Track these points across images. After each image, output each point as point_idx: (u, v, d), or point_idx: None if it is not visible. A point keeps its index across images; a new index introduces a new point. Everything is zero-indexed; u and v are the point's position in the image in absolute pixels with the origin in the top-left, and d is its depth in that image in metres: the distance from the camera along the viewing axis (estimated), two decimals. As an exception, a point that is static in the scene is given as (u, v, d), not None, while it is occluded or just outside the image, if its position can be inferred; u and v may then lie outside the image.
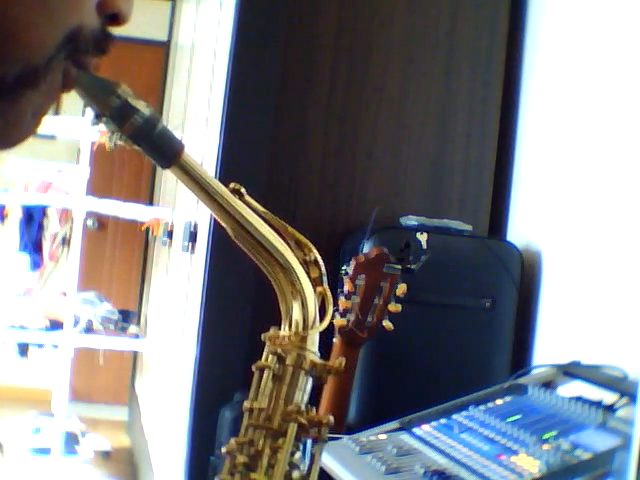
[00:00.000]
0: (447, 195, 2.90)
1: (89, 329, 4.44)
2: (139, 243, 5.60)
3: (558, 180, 2.60)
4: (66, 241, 5.70)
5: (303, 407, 0.85)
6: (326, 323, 0.85)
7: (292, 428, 0.83)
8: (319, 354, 0.86)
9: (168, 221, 4.18)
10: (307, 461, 0.86)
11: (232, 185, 0.83)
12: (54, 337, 4.40)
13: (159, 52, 5.50)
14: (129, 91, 0.77)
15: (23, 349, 5.14)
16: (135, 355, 5.38)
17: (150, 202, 5.24)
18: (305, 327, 0.85)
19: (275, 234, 0.84)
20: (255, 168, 2.72)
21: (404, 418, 1.94)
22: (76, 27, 0.67)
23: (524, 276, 2.60)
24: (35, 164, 4.76)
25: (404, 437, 1.88)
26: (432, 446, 1.80)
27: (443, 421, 1.90)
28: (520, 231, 2.79)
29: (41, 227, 5.89)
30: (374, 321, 2.09)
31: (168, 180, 4.58)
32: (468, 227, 2.63)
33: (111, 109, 0.76)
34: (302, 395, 0.85)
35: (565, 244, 2.51)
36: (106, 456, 4.95)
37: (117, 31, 0.70)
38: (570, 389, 2.00)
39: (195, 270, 3.05)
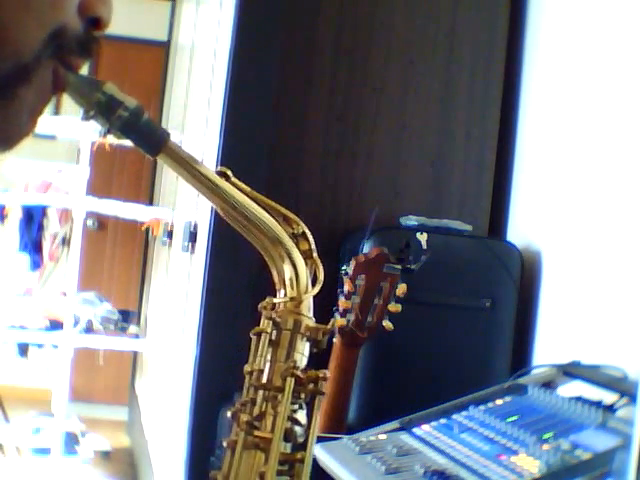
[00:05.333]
0: (447, 195, 2.89)
1: (89, 329, 4.44)
2: (139, 243, 5.59)
3: (558, 180, 2.60)
4: (66, 241, 5.70)
5: (299, 364, 0.89)
6: (318, 288, 0.90)
7: (289, 382, 0.87)
8: (314, 319, 0.90)
9: (168, 221, 4.18)
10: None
11: (219, 168, 0.89)
12: (54, 337, 4.40)
13: (159, 52, 5.50)
14: (114, 87, 0.82)
15: (23, 349, 5.15)
16: (135, 355, 5.38)
17: (150, 202, 5.23)
18: (299, 293, 0.90)
19: (262, 210, 0.91)
20: (255, 168, 2.72)
21: (404, 418, 1.94)
22: (59, 27, 0.72)
23: (524, 276, 2.60)
24: (35, 164, 4.76)
25: (404, 437, 1.88)
26: (432, 446, 1.80)
27: (443, 421, 1.90)
28: (520, 231, 2.79)
29: (41, 227, 5.89)
30: (374, 321, 2.09)
31: (168, 180, 4.58)
32: (468, 227, 2.63)
33: (98, 105, 0.81)
34: (300, 357, 0.89)
35: (565, 244, 2.51)
36: (106, 456, 4.95)
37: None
38: (570, 389, 1.99)
39: (195, 270, 3.05)
